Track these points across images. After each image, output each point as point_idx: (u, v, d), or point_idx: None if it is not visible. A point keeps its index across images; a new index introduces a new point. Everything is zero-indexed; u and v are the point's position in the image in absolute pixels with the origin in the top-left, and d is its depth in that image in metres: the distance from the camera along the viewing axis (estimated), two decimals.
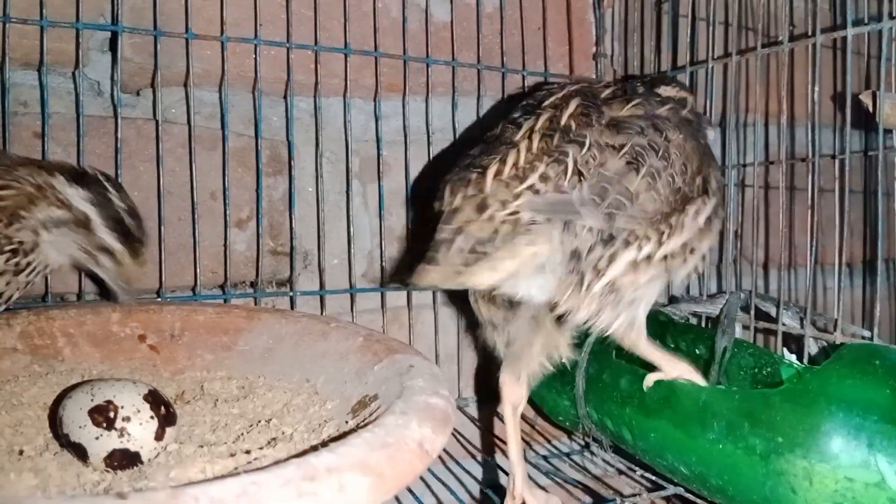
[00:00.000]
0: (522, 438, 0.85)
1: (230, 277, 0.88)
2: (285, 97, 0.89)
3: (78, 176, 0.65)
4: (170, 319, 0.72)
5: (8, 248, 0.62)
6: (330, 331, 0.70)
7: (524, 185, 0.59)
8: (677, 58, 1.03)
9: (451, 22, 0.98)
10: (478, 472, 0.93)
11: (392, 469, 0.42)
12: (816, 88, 0.79)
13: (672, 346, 0.80)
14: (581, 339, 0.81)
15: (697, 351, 0.80)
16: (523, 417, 0.96)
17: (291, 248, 0.89)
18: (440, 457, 0.75)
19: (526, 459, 0.82)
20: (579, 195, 0.59)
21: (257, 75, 0.85)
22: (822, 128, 0.85)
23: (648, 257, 0.63)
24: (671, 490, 0.75)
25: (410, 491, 0.75)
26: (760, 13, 0.89)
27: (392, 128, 0.96)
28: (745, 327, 0.81)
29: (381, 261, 0.94)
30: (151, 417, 0.51)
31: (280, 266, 0.92)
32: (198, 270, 0.83)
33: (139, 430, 0.51)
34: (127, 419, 0.51)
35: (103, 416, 0.50)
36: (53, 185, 0.64)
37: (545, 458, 0.83)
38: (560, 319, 0.66)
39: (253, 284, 0.89)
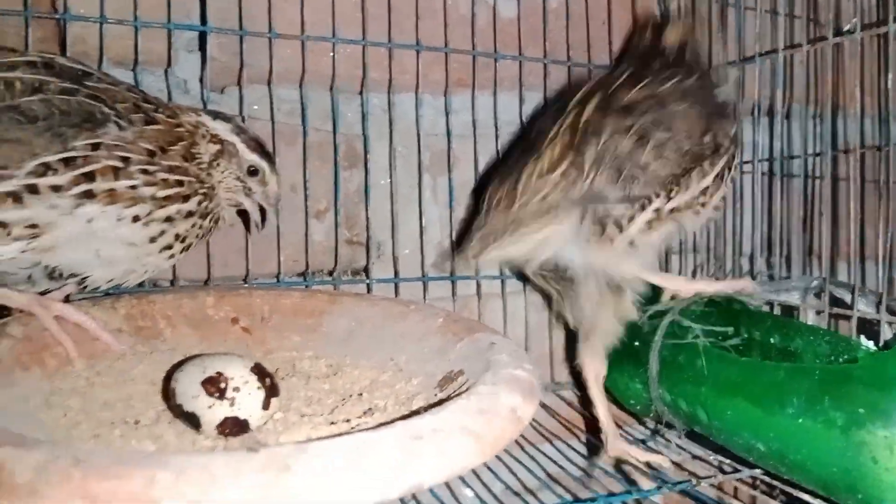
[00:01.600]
0: (590, 427, 0.88)
1: (310, 266, 0.92)
2: (361, 93, 0.93)
3: (217, 114, 0.73)
4: (259, 303, 0.77)
5: (201, 190, 0.68)
6: (409, 313, 0.73)
7: (551, 183, 0.75)
8: (744, 49, 1.03)
9: (518, 17, 1.01)
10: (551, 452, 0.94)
11: (490, 432, 0.45)
12: (890, 76, 0.79)
13: (746, 334, 0.80)
14: (654, 319, 0.83)
15: (772, 340, 0.80)
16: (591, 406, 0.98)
17: (367, 237, 0.93)
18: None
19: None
20: (599, 183, 0.74)
21: (335, 72, 0.89)
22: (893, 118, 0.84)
23: (657, 211, 0.76)
24: (746, 472, 0.76)
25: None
26: (830, 3, 0.89)
27: (460, 122, 0.99)
28: (819, 313, 0.81)
29: (452, 251, 0.97)
30: (258, 388, 0.55)
31: (355, 255, 0.96)
32: (281, 259, 0.87)
33: (248, 400, 0.54)
34: (237, 389, 0.54)
35: (215, 386, 0.54)
36: (205, 123, 0.70)
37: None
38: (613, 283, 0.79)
39: (331, 273, 0.93)
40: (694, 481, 0.74)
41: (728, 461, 0.80)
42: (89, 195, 0.58)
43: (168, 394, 0.58)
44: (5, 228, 0.56)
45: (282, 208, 0.88)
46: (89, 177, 0.58)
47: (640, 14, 1.10)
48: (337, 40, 0.89)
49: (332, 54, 0.89)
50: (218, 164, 0.70)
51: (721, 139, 0.79)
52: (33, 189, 0.56)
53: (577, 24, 1.06)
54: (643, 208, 0.76)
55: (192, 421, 0.55)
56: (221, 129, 0.71)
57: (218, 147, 0.70)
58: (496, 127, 0.99)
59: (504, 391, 0.49)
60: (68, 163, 0.57)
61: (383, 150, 0.96)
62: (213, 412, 0.54)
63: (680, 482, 0.74)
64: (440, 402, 0.53)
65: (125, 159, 0.60)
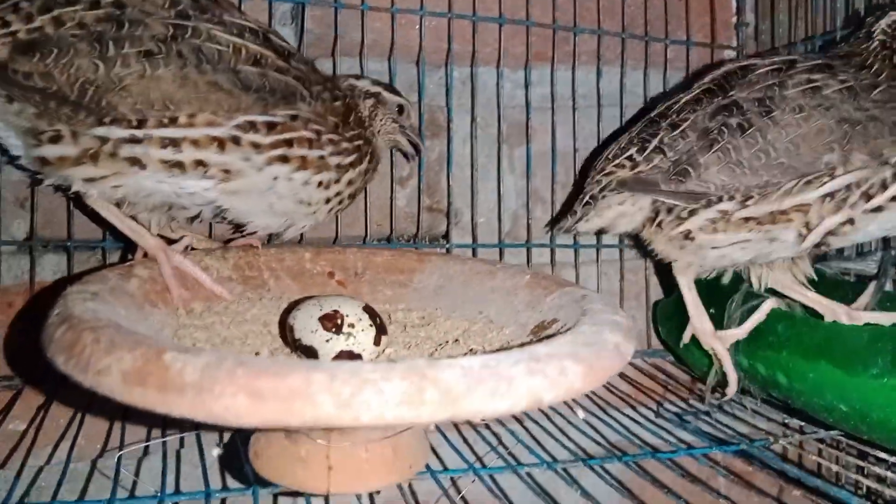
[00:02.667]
0: (663, 396, 0.90)
1: (394, 230, 0.96)
2: (446, 65, 0.96)
3: (355, 76, 0.85)
4: (352, 259, 0.81)
5: (369, 150, 0.79)
6: (496, 270, 0.76)
7: (614, 165, 0.81)
8: (822, 25, 1.03)
9: None
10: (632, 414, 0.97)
11: (598, 363, 0.48)
12: None
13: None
14: (732, 288, 0.85)
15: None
16: (665, 373, 1.00)
17: (448, 204, 0.97)
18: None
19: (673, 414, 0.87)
20: (658, 172, 0.77)
21: (422, 44, 0.93)
22: None
23: (725, 214, 0.76)
24: (822, 433, 0.77)
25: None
26: None
27: (538, 95, 1.02)
28: None
29: (528, 219, 1.01)
30: (370, 325, 0.60)
31: (435, 222, 1.00)
32: (368, 222, 0.92)
33: (362, 335, 0.59)
34: (351, 325, 0.59)
35: (332, 322, 0.59)
36: (355, 85, 0.81)
37: (694, 414, 0.86)
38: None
39: (414, 237, 0.97)
40: (772, 439, 0.76)
41: (803, 423, 0.81)
42: (283, 159, 0.66)
43: (285, 331, 0.62)
44: (204, 167, 0.65)
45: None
46: (288, 143, 0.66)
47: None
48: (424, 13, 0.93)
49: (418, 27, 0.93)
50: (376, 115, 0.81)
51: (851, 160, 0.72)
52: (236, 140, 0.64)
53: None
54: (709, 205, 0.76)
55: (310, 353, 0.59)
56: (367, 84, 0.82)
57: (372, 100, 0.81)
58: (573, 100, 1.02)
59: (606, 330, 0.52)
60: (271, 127, 0.65)
61: (462, 121, 1.00)
62: (330, 345, 0.58)
63: (759, 440, 0.76)
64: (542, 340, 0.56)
65: (318, 132, 0.70)
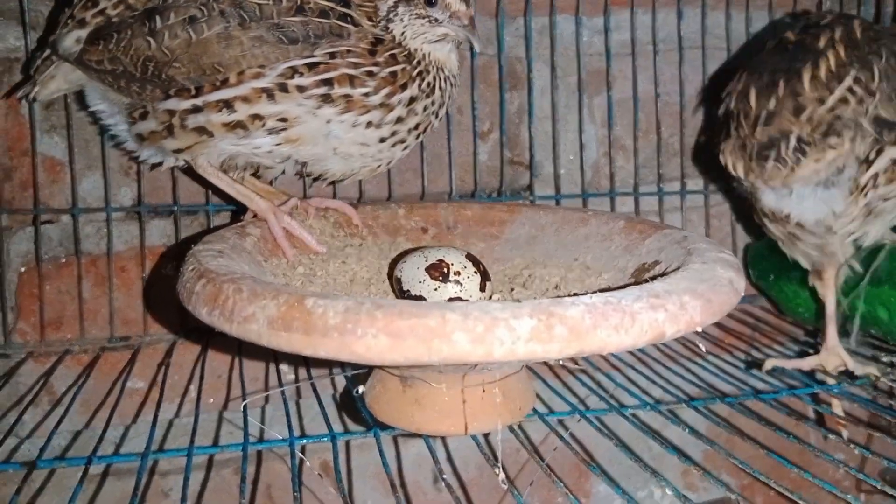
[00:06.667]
0: (757, 342, 0.89)
1: (477, 185, 0.97)
2: (525, 14, 0.96)
3: None
4: (444, 214, 0.82)
5: (413, 72, 0.68)
6: (588, 218, 0.77)
7: (843, 86, 0.68)
8: None
9: None
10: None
11: (715, 297, 0.49)
12: None
13: None
14: None
15: None
16: (755, 317, 1.00)
17: (531, 157, 0.97)
18: None
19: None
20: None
21: None
22: None
23: None
24: None
25: None
26: None
27: (618, 41, 1.01)
28: None
29: (610, 168, 1.00)
30: (475, 272, 0.61)
31: (516, 174, 1.01)
32: (452, 178, 0.93)
33: (468, 282, 0.61)
34: (457, 273, 0.61)
35: (438, 271, 0.61)
36: None
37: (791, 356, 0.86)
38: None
39: (497, 191, 0.98)
40: (873, 377, 0.75)
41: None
42: (328, 99, 0.65)
43: (393, 285, 0.65)
44: (261, 121, 0.65)
45: (451, 130, 0.93)
46: (328, 82, 0.65)
47: None
48: None
49: None
50: (396, 14, 0.68)
51: None
52: (283, 87, 0.64)
53: None
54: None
55: None
56: None
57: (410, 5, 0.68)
58: (654, 44, 1.00)
59: (718, 267, 0.53)
60: (311, 67, 0.64)
61: (543, 72, 0.99)
62: (439, 294, 0.61)
63: (860, 377, 0.75)
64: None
65: (355, 65, 0.66)
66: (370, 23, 0.67)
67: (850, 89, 0.68)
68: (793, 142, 0.68)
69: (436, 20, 0.69)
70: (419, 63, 0.69)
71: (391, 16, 0.68)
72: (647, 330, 0.44)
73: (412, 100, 0.69)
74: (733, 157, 0.73)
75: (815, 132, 0.68)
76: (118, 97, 0.70)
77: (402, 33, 0.68)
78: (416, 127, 0.71)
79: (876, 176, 0.69)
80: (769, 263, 0.91)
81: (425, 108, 0.70)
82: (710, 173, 1.04)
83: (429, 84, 0.70)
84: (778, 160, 0.68)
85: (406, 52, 0.68)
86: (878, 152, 0.69)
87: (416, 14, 0.68)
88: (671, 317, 0.45)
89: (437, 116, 0.73)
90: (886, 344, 0.82)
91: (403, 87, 0.68)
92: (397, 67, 0.67)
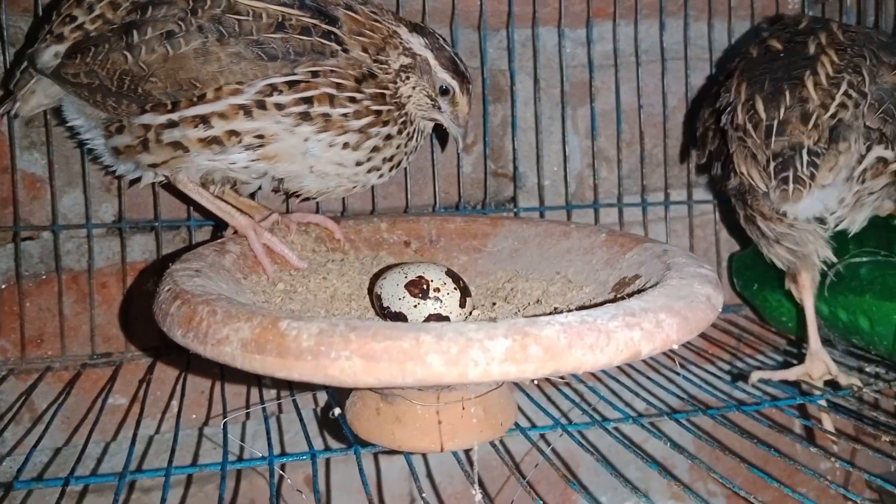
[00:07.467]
0: (741, 352, 0.90)
1: (461, 197, 0.97)
2: (507, 27, 0.96)
3: (415, 26, 0.73)
4: (427, 227, 0.82)
5: (399, 116, 0.71)
6: (570, 231, 0.77)
7: (841, 91, 0.69)
8: None
9: None
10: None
11: (692, 314, 0.49)
12: None
13: None
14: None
15: None
16: (739, 327, 1.00)
17: (514, 169, 0.97)
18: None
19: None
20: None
21: (483, 8, 0.93)
22: None
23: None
24: None
25: None
26: None
27: (600, 53, 1.01)
28: None
29: (594, 179, 1.01)
30: (455, 289, 0.61)
31: (500, 186, 1.01)
32: (436, 190, 0.93)
33: (448, 299, 0.61)
34: (437, 290, 0.61)
35: (418, 288, 0.61)
36: (399, 34, 0.71)
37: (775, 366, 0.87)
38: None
39: (481, 203, 0.98)
40: (855, 388, 0.75)
41: (886, 372, 0.81)
42: (306, 117, 0.65)
43: (373, 301, 0.65)
44: (238, 137, 0.65)
45: (435, 142, 0.93)
46: (308, 101, 0.65)
47: None
48: None
49: None
50: (408, 78, 0.71)
51: None
52: (261, 105, 0.64)
53: None
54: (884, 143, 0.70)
55: (400, 320, 0.61)
56: (416, 43, 0.71)
57: (409, 60, 0.71)
58: (637, 55, 1.00)
59: (696, 283, 0.53)
60: (291, 85, 0.64)
61: (525, 84, 1.00)
62: (418, 310, 0.60)
63: (844, 388, 0.75)
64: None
65: (338, 86, 0.66)
66: (364, 54, 0.68)
67: (846, 93, 0.70)
68: (805, 157, 0.68)
69: (439, 108, 0.74)
70: (405, 115, 0.72)
71: (402, 75, 0.71)
72: (622, 349, 0.44)
73: (389, 136, 0.71)
74: (747, 165, 0.73)
75: (822, 140, 0.69)
76: (95, 112, 0.70)
77: (409, 96, 0.72)
78: (391, 159, 0.73)
79: (864, 171, 0.71)
80: (753, 273, 0.91)
81: (398, 146, 0.73)
82: (696, 180, 1.05)
83: (408, 134, 0.73)
84: (797, 181, 0.68)
85: (399, 104, 0.71)
86: (868, 149, 0.70)
87: (426, 93, 0.72)
88: (647, 335, 0.45)
89: (407, 157, 0.75)
90: (868, 353, 0.82)
91: (385, 123, 0.70)
92: (383, 108, 0.69)
